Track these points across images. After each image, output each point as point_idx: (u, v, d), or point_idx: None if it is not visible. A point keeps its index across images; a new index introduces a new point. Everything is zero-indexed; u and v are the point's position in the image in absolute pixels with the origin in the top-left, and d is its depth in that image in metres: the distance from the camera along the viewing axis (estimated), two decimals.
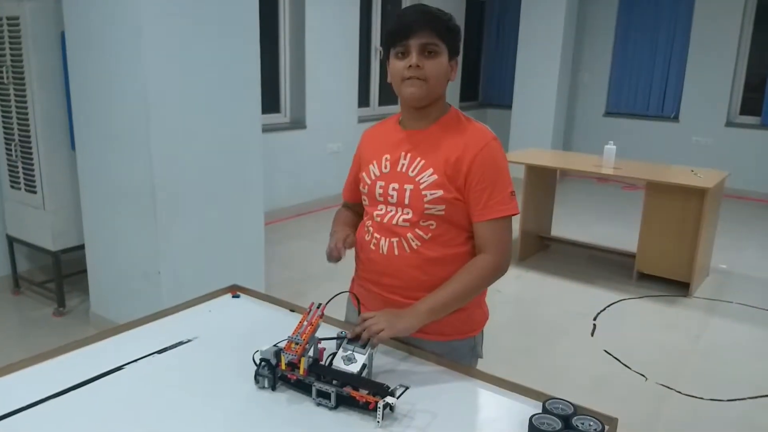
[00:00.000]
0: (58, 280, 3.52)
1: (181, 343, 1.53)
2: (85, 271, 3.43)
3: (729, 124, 7.13)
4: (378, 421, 1.21)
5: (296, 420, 1.23)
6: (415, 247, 1.47)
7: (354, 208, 1.70)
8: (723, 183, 4.30)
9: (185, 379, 1.37)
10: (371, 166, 1.54)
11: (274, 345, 1.36)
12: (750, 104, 7.09)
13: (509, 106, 7.64)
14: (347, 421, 1.23)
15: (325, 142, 6.16)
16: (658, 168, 4.67)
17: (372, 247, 1.52)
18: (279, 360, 1.31)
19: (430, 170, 1.44)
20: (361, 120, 6.53)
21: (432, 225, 1.46)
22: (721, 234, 4.57)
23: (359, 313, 1.47)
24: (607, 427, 1.20)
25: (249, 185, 3.37)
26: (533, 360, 3.20)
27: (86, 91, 3.11)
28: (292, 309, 1.74)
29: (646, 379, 3.04)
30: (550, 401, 1.26)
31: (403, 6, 7.11)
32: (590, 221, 5.91)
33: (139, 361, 1.43)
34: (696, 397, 2.89)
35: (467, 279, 1.45)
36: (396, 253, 1.48)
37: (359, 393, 1.24)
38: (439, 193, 1.43)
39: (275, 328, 1.61)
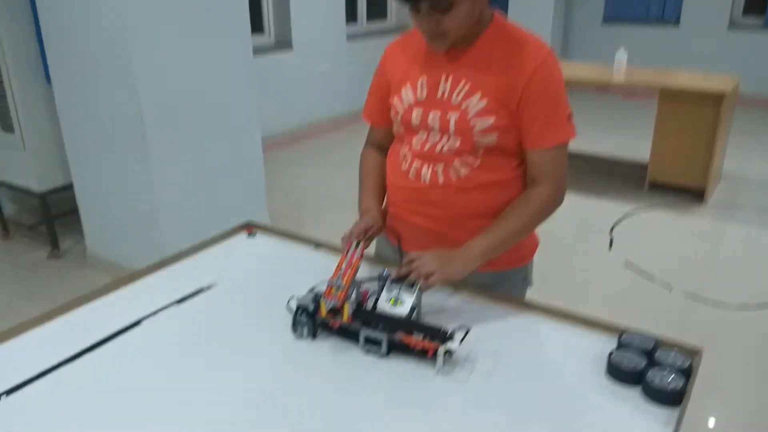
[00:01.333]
0: (49, 222, 3.33)
1: (201, 291, 1.37)
2: (76, 210, 3.24)
3: (732, 26, 6.82)
4: (438, 369, 1.08)
5: (344, 370, 1.10)
6: (462, 174, 1.29)
7: (382, 136, 1.48)
8: (737, 87, 4.11)
9: (212, 331, 1.23)
10: (404, 91, 1.32)
11: (310, 290, 1.21)
12: (754, 2, 6.76)
13: (505, 14, 7.25)
14: (402, 371, 1.10)
15: (313, 63, 5.83)
16: (669, 74, 4.44)
17: (411, 176, 1.34)
18: (318, 306, 1.16)
19: (478, 94, 1.24)
20: (350, 37, 6.16)
21: (481, 151, 1.28)
22: (728, 140, 4.43)
23: (399, 250, 1.31)
24: (693, 360, 1.08)
25: (243, 110, 3.14)
26: (556, 278, 3.08)
27: (57, 18, 2.79)
28: (317, 245, 1.58)
29: (671, 290, 2.97)
30: (626, 334, 1.14)
31: None
32: (596, 133, 5.71)
33: (157, 314, 1.28)
34: (724, 307, 2.83)
35: (522, 216, 1.28)
36: (440, 181, 1.30)
37: (414, 339, 1.10)
38: (491, 120, 1.24)
39: (301, 268, 1.46)
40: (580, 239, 3.58)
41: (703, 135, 3.87)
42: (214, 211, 2.98)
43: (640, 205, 4.02)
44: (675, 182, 4.13)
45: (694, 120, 3.89)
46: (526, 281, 1.45)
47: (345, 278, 1.15)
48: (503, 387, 1.05)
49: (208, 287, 1.39)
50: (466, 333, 1.11)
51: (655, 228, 3.74)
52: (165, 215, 2.84)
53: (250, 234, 1.66)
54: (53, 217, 3.35)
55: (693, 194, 4.05)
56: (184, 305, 1.32)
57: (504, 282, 1.38)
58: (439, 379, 1.07)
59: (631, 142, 4.96)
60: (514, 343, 1.18)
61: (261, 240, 1.64)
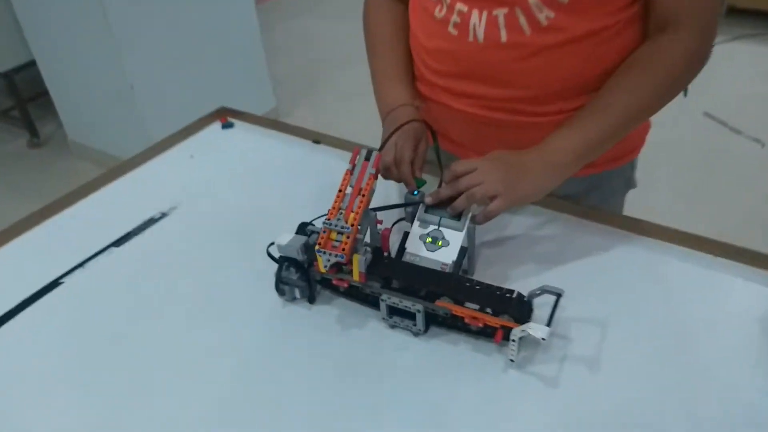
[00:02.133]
0: (21, 106, 2.89)
1: (152, 222, 0.95)
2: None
3: None
4: (511, 359, 0.66)
5: (357, 354, 0.70)
6: (544, 22, 0.74)
7: None
8: None
9: (165, 288, 0.82)
10: None
11: (300, 226, 0.77)
12: None
13: None
14: (449, 357, 0.69)
15: None
16: None
17: (452, 30, 0.80)
18: (313, 257, 0.72)
19: None
20: None
21: None
22: None
23: (437, 154, 0.83)
24: None
25: None
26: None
27: None
28: (316, 140, 1.12)
29: (763, 145, 2.46)
30: None
31: None
32: None
33: (85, 264, 0.87)
34: None
35: (645, 84, 0.75)
36: (504, 39, 0.76)
37: (469, 310, 0.67)
38: None
39: (295, 178, 1.01)
40: None
41: None
42: (203, 83, 2.49)
43: (716, 37, 3.34)
44: (758, 6, 3.42)
45: None
46: (629, 184, 0.96)
47: (351, 216, 0.70)
48: (617, 385, 0.64)
49: (161, 216, 0.96)
50: (557, 301, 0.67)
51: (737, 66, 3.11)
52: (142, 94, 2.36)
53: (225, 125, 1.20)
54: (26, 99, 2.90)
55: None
56: (124, 247, 0.90)
57: (599, 187, 0.91)
58: (513, 372, 0.66)
59: None
60: (626, 298, 0.74)
61: (239, 133, 1.18)
